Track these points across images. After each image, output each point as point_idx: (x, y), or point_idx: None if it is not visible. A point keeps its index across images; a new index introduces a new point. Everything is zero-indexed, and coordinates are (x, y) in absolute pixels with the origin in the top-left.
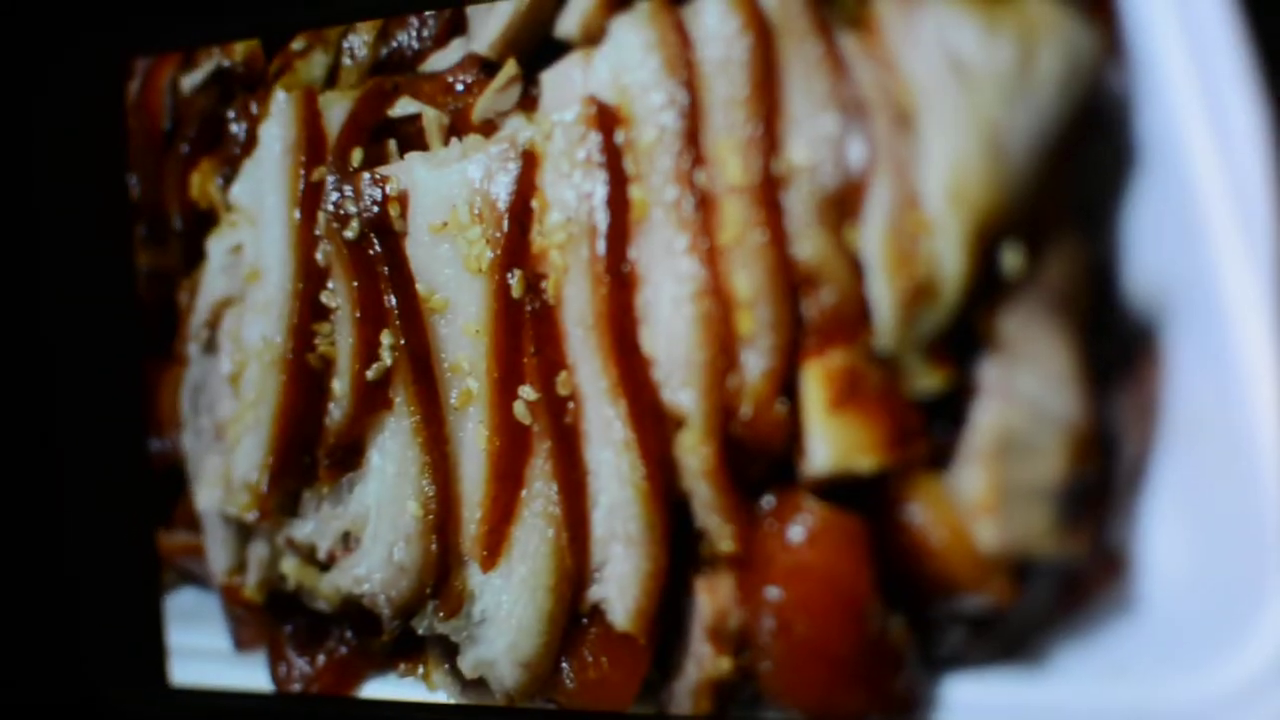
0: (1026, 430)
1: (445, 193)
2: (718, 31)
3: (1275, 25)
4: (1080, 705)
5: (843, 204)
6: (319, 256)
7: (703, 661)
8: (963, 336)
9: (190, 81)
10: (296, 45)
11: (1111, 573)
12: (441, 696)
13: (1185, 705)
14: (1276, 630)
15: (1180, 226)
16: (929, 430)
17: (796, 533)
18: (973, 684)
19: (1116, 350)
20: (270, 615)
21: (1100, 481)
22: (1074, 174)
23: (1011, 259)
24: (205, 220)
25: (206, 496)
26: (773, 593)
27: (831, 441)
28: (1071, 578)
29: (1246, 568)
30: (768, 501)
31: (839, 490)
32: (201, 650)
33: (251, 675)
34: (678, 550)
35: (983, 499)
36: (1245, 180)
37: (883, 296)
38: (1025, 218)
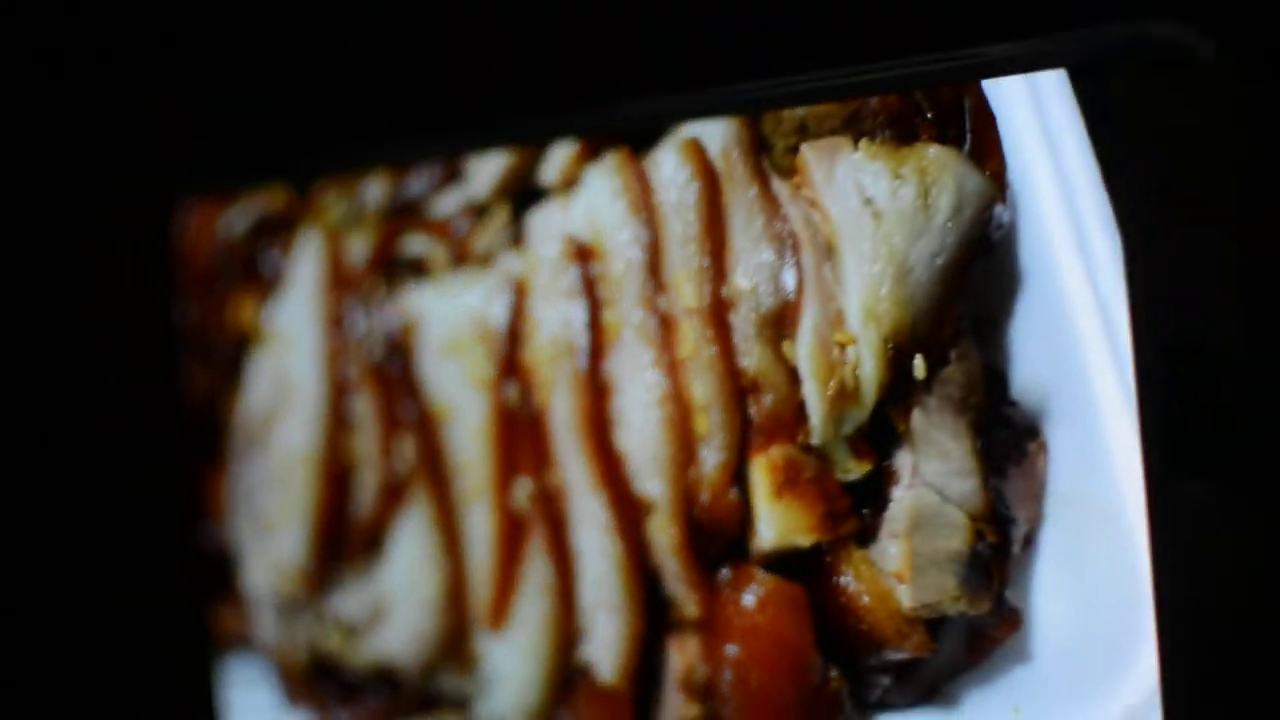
0: (934, 510)
1: (451, 318)
2: (672, 179)
3: (1130, 167)
4: None
5: (779, 322)
6: (346, 374)
7: (676, 709)
8: (881, 432)
9: (237, 225)
10: (323, 192)
11: (1009, 626)
12: None
13: None
14: (1147, 671)
15: (1055, 336)
16: (856, 511)
17: (749, 600)
18: None
19: (1007, 441)
20: (315, 678)
21: (998, 550)
22: (967, 294)
23: (918, 366)
24: (246, 343)
25: (256, 577)
26: (731, 650)
27: (776, 522)
28: (976, 631)
29: (1119, 619)
30: (725, 573)
31: (783, 563)
32: (257, 708)
33: None
34: (652, 615)
35: (901, 568)
36: (1107, 297)
37: (814, 399)
38: (928, 331)
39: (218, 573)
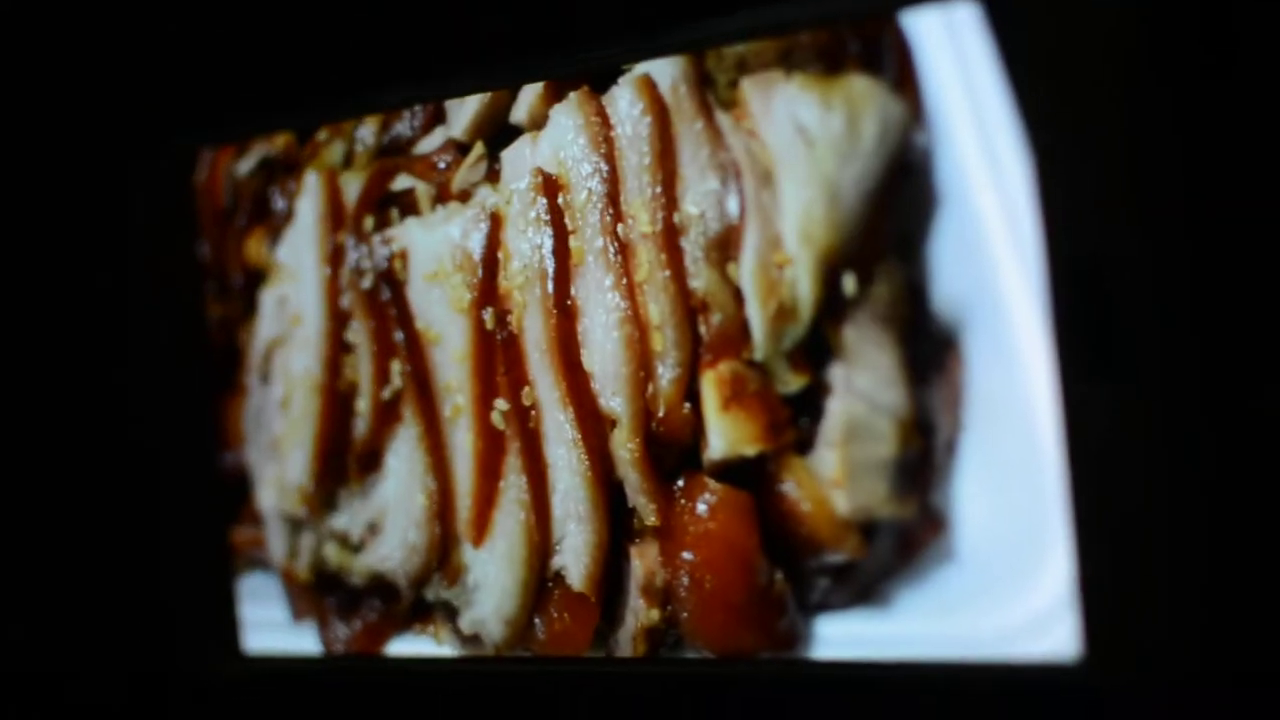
0: (866, 419)
1: (434, 249)
2: (627, 114)
3: (1036, 92)
4: (916, 636)
5: (724, 246)
6: (344, 303)
7: (638, 613)
8: (816, 347)
9: (243, 167)
10: (321, 136)
11: (935, 529)
12: (447, 650)
13: (996, 633)
14: (1060, 570)
15: (971, 252)
16: (795, 422)
17: (701, 507)
18: (836, 623)
19: (929, 352)
20: (317, 591)
21: (923, 457)
22: (891, 214)
23: (849, 284)
24: (258, 277)
25: (266, 498)
26: (686, 556)
27: (724, 433)
28: (905, 535)
29: (1035, 520)
30: (680, 483)
31: (732, 472)
32: (267, 622)
33: (305, 641)
34: (616, 524)
35: (836, 475)
36: (1017, 214)
37: (756, 317)
38: (857, 251)
39: (236, 495)
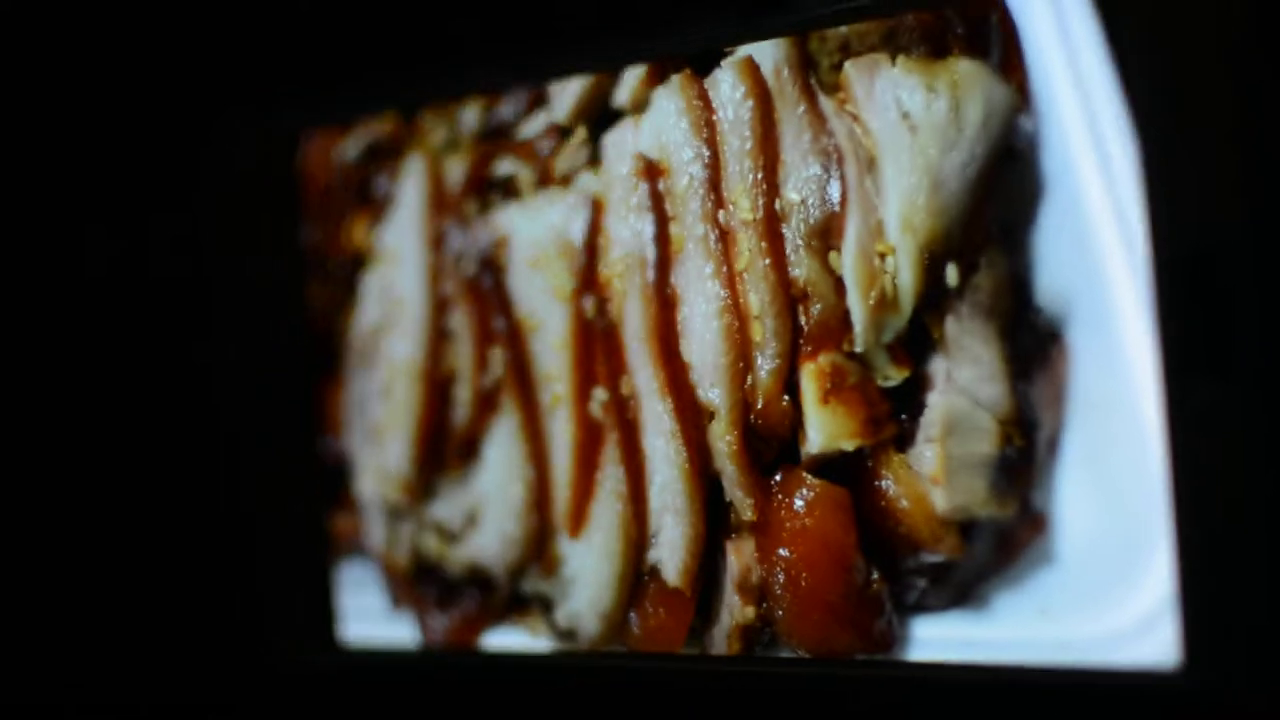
0: (967, 415)
1: (536, 235)
2: (730, 98)
3: (1145, 79)
4: (1014, 640)
5: (826, 234)
6: (445, 289)
7: (733, 610)
8: (917, 339)
9: (351, 151)
10: (425, 119)
11: (1035, 530)
12: (542, 643)
13: (1096, 638)
14: (1163, 573)
15: (1077, 243)
16: (895, 416)
17: (799, 503)
18: (932, 625)
19: (1032, 346)
20: (416, 581)
21: (1024, 454)
22: (995, 202)
23: (951, 274)
24: (360, 262)
25: (366, 485)
26: (783, 552)
27: (823, 427)
28: (1004, 535)
29: (1138, 522)
30: (777, 478)
31: (829, 467)
32: (366, 610)
33: (403, 629)
34: (713, 519)
35: (935, 472)
36: (1124, 204)
37: (857, 308)
38: (960, 240)
39: (335, 482)
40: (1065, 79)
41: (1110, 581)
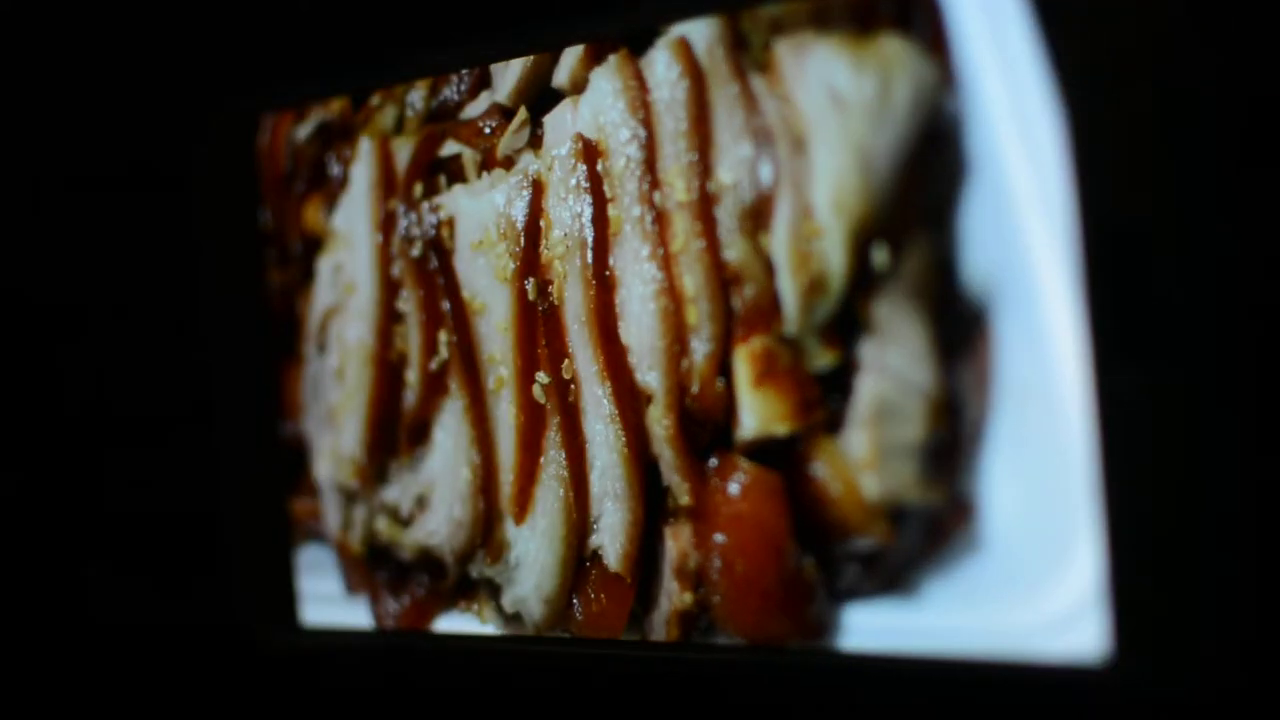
0: (896, 399)
1: (480, 217)
2: (664, 77)
3: (1072, 60)
4: (943, 628)
5: (758, 216)
6: (395, 271)
7: (671, 596)
8: (847, 322)
9: (301, 132)
10: (374, 101)
11: (964, 516)
12: (490, 629)
13: (1024, 627)
14: (1090, 563)
15: (1002, 226)
16: (826, 400)
17: (734, 488)
18: (863, 612)
19: (959, 330)
20: (369, 565)
21: (953, 440)
22: (923, 184)
23: (879, 256)
24: (316, 245)
25: (322, 468)
26: (719, 538)
27: (756, 411)
28: (934, 521)
29: (1064, 510)
30: (712, 462)
31: (764, 452)
32: (323, 595)
33: (360, 614)
34: (652, 504)
35: (865, 457)
36: (1050, 186)
37: (788, 290)
38: (889, 221)
39: (294, 464)
40: (992, 59)
41: (1038, 569)
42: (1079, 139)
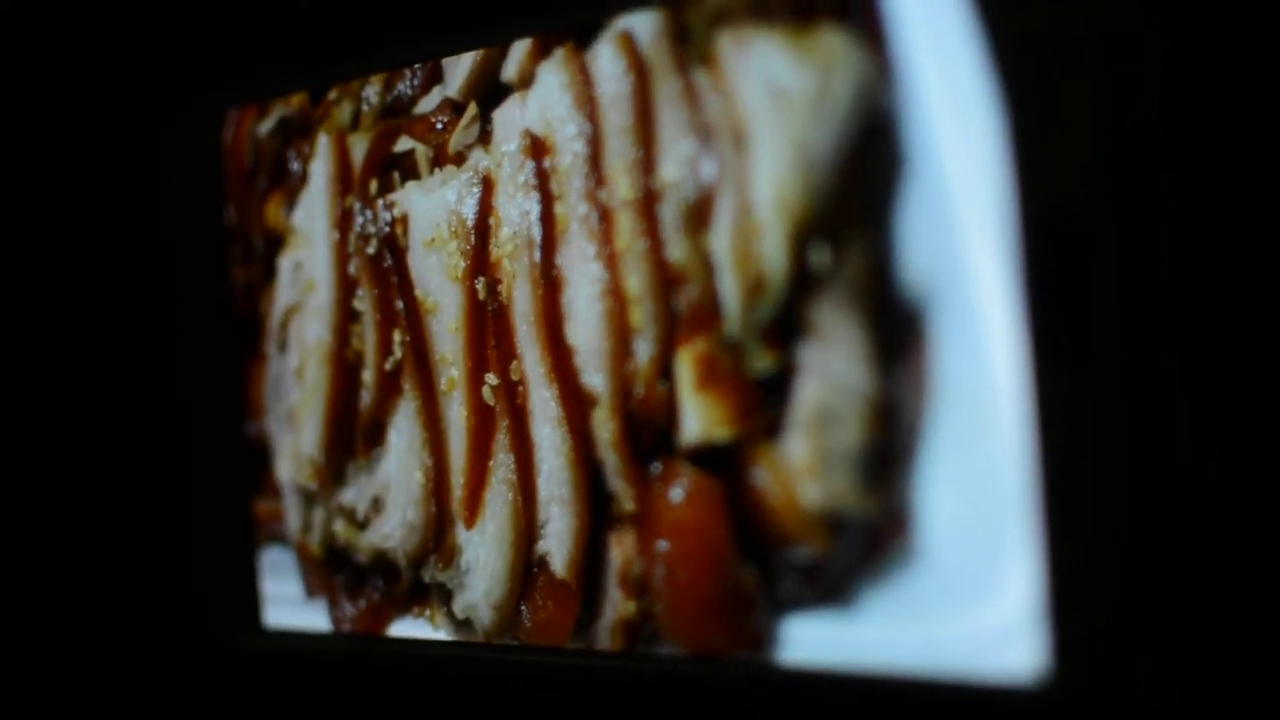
0: (836, 403)
1: (432, 214)
2: (609, 72)
3: (1012, 58)
4: (882, 641)
5: (700, 214)
6: (352, 269)
7: (616, 604)
8: (789, 324)
9: (263, 129)
10: (332, 96)
11: (902, 526)
12: (442, 635)
13: (961, 640)
14: (1027, 576)
15: (940, 226)
16: (767, 404)
17: (676, 494)
18: (803, 624)
19: (896, 333)
20: (328, 568)
21: (890, 447)
22: (861, 182)
23: (820, 256)
24: (279, 242)
25: (283, 469)
26: (661, 545)
27: (698, 415)
28: (872, 530)
29: (1003, 519)
30: (656, 468)
31: (706, 457)
32: (285, 597)
33: (322, 618)
34: (597, 510)
35: (805, 463)
36: (987, 181)
37: (730, 291)
38: (830, 221)
39: (257, 464)
40: (930, 53)
41: (976, 581)
42: (1019, 135)
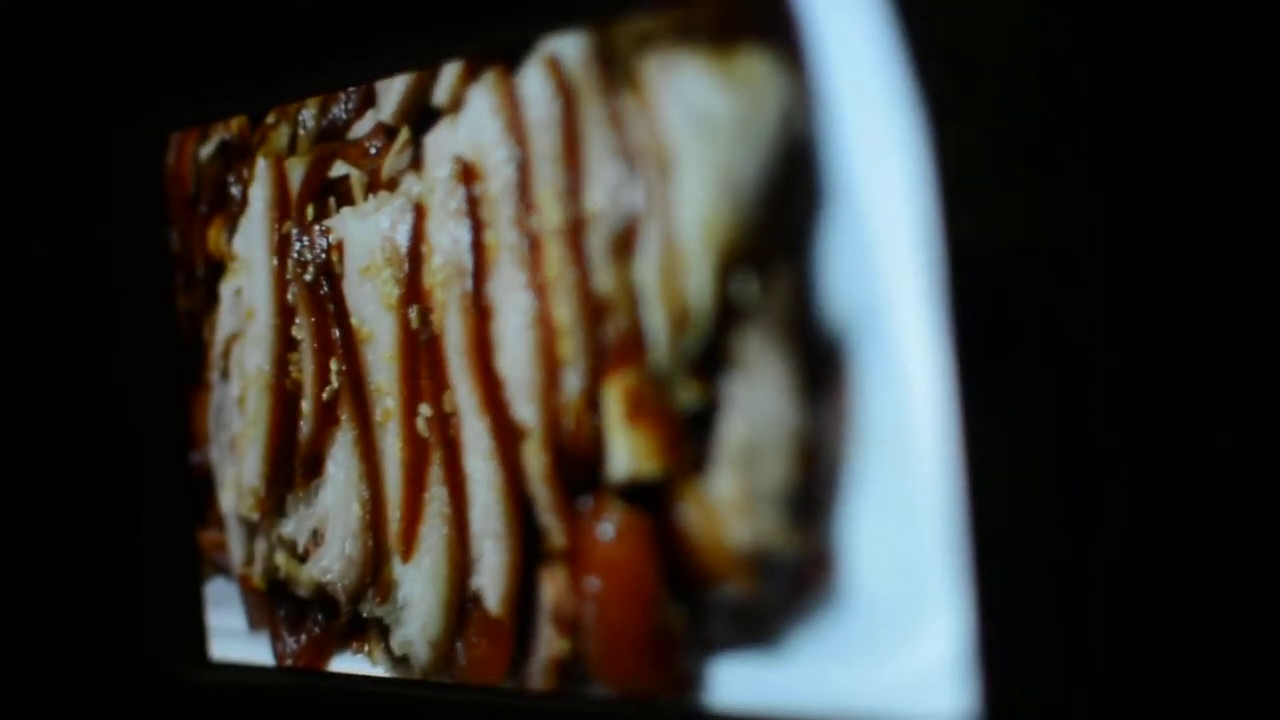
0: (761, 439)
1: (367, 241)
2: (536, 97)
3: (938, 86)
4: (810, 684)
5: (626, 242)
6: (290, 296)
7: (549, 643)
8: (714, 356)
9: (204, 152)
10: (270, 119)
11: (826, 566)
12: (381, 671)
13: (887, 685)
14: (953, 619)
15: (862, 255)
16: (694, 439)
17: (606, 530)
18: (731, 666)
19: (820, 367)
20: (271, 600)
21: (815, 484)
22: (788, 210)
23: (746, 287)
24: (220, 268)
25: (226, 500)
26: (591, 583)
27: (627, 449)
28: (799, 570)
29: (925, 563)
30: (586, 503)
31: (635, 492)
32: (229, 630)
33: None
34: (530, 545)
35: (730, 500)
36: (911, 212)
37: (655, 322)
38: (755, 250)
39: (202, 495)
40: (853, 79)
41: (903, 623)
42: (943, 166)
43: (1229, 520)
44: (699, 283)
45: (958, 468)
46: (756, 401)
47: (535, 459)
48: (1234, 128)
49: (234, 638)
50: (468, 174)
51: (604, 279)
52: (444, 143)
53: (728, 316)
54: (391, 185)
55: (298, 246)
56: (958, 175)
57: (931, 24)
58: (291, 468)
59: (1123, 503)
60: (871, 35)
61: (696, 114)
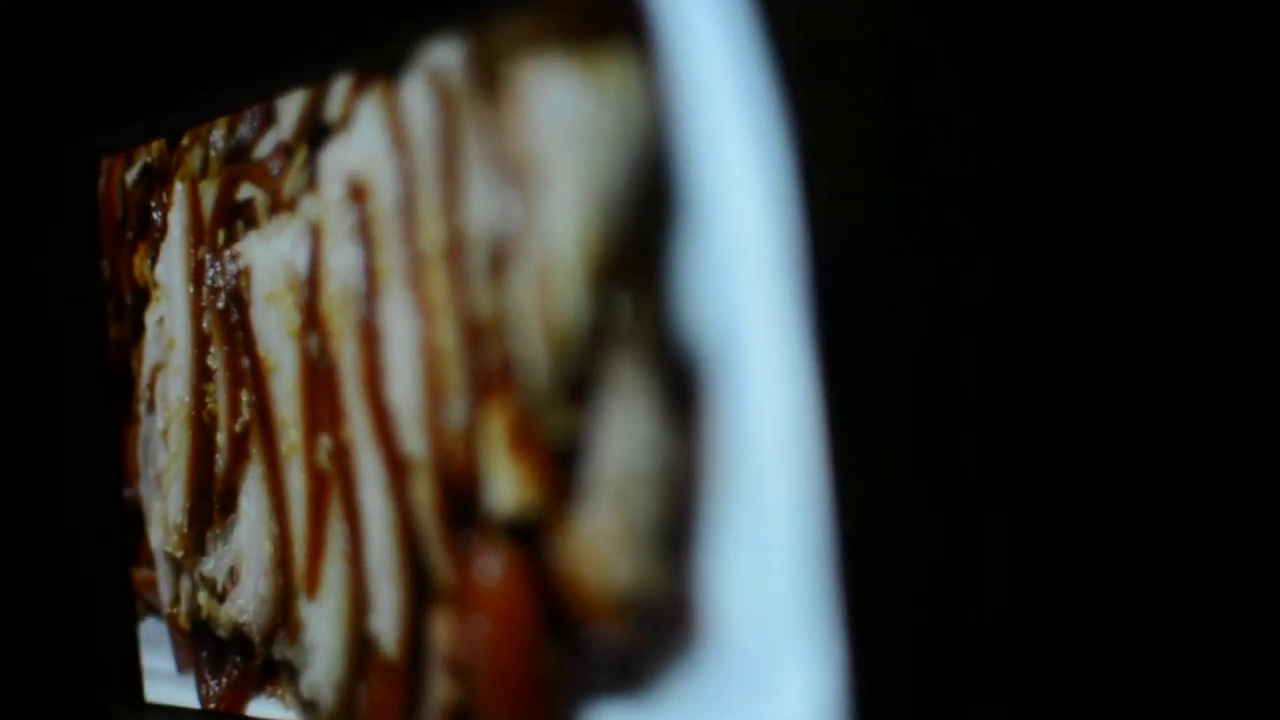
0: (635, 469)
1: (270, 266)
2: (420, 110)
3: (799, 88)
4: None
5: (503, 261)
6: (205, 325)
7: (441, 688)
8: (590, 381)
9: (129, 177)
10: (185, 142)
11: (693, 607)
12: (293, 716)
13: None
14: (818, 664)
15: (721, 272)
16: (570, 469)
17: (489, 567)
18: (608, 713)
19: (688, 394)
20: (195, 641)
21: (682, 519)
22: (652, 224)
23: (621, 307)
24: (145, 296)
25: (154, 537)
26: (475, 624)
27: (510, 480)
28: (672, 610)
29: (791, 608)
30: (471, 538)
31: (515, 528)
32: (161, 671)
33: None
34: (422, 584)
35: (602, 535)
36: (775, 227)
37: (534, 344)
38: (630, 266)
39: (134, 532)
40: (719, 88)
41: (776, 663)
42: (807, 176)
43: (1099, 557)
44: (576, 302)
45: (823, 503)
46: (626, 430)
47: (424, 492)
48: (1104, 132)
49: (164, 680)
50: (359, 193)
51: (483, 298)
52: (338, 160)
53: (600, 338)
54: (292, 206)
55: (210, 273)
56: (825, 191)
57: (795, 28)
58: (210, 504)
59: (999, 537)
60: (737, 47)
61: (569, 123)
